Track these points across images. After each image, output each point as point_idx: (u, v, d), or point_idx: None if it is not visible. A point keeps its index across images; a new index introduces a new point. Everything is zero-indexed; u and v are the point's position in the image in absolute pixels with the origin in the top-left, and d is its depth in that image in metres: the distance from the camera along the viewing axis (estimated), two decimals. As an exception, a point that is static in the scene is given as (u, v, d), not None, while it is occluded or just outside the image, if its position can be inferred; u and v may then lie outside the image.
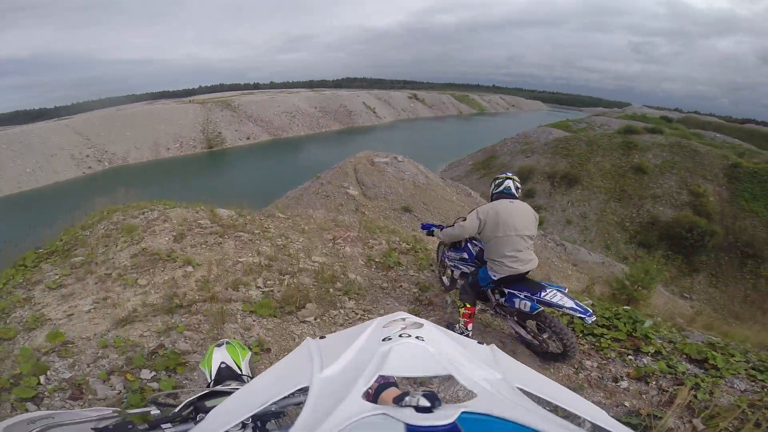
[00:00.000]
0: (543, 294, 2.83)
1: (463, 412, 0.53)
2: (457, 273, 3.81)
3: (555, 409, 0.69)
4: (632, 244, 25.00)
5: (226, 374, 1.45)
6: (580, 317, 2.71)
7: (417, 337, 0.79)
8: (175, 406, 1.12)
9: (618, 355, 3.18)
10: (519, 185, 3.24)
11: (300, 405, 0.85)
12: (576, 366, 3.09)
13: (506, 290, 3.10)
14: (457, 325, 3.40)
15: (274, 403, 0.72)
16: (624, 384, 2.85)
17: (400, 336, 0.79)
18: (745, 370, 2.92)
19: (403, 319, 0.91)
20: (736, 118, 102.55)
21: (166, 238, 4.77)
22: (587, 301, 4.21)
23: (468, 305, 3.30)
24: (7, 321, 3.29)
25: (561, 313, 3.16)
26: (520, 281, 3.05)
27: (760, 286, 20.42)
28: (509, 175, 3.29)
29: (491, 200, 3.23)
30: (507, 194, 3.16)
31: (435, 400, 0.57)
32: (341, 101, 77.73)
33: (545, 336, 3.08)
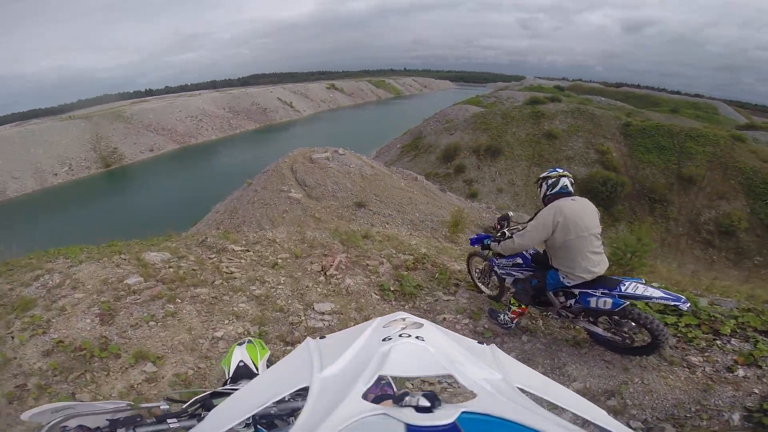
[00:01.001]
0: (623, 288, 2.61)
1: (463, 412, 0.53)
2: (509, 280, 3.47)
3: (555, 409, 0.68)
4: (558, 203, 27.27)
5: (243, 373, 1.45)
6: (674, 305, 2.54)
7: (417, 337, 0.78)
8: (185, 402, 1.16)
9: (708, 343, 2.95)
10: (572, 180, 2.92)
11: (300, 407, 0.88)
12: (686, 365, 2.80)
13: (577, 291, 2.84)
14: (502, 315, 3.35)
15: (275, 403, 0.73)
16: (740, 372, 2.67)
17: (400, 336, 0.79)
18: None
19: (403, 319, 0.90)
20: (611, 82, 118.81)
21: (88, 320, 3.27)
22: None
23: (523, 306, 3.17)
24: None
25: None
26: (592, 280, 2.79)
27: (671, 228, 23.66)
28: (561, 171, 2.92)
29: (544, 202, 2.93)
30: (565, 193, 2.84)
31: (435, 400, 0.57)
32: (252, 99, 73.16)
33: (625, 332, 2.82)
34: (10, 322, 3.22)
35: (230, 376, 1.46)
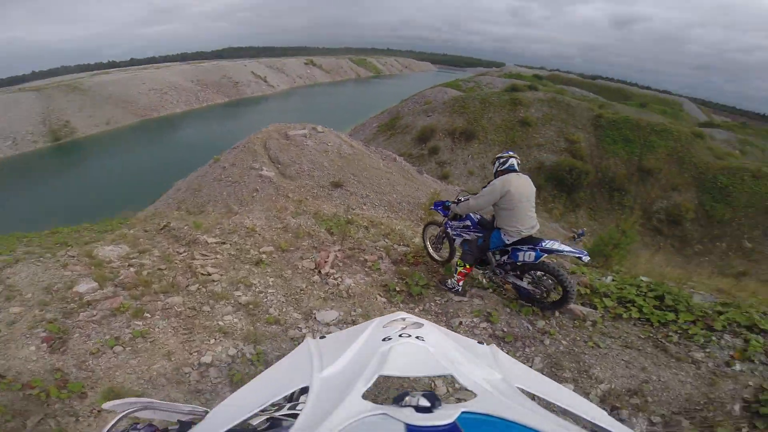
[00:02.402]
0: (543, 244, 3.28)
1: (463, 412, 0.52)
2: (458, 241, 4.04)
3: (555, 409, 0.65)
4: (526, 188, 28.03)
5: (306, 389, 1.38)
6: (577, 257, 3.15)
7: (417, 337, 0.77)
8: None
9: (705, 339, 3.20)
10: (519, 161, 3.65)
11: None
12: (691, 361, 3.01)
13: (510, 248, 3.46)
14: (449, 281, 3.87)
15: (273, 403, 0.71)
16: (737, 366, 2.89)
17: (400, 336, 0.78)
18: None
19: (403, 319, 0.91)
20: (587, 74, 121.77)
21: (32, 346, 2.68)
22: (609, 276, 4.30)
23: (468, 266, 3.74)
24: None
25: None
26: (522, 238, 3.43)
27: (627, 216, 24.84)
28: (511, 153, 3.66)
29: (496, 176, 3.59)
30: (512, 170, 3.53)
31: (435, 400, 0.57)
32: (224, 72, 69.70)
33: (545, 287, 3.43)
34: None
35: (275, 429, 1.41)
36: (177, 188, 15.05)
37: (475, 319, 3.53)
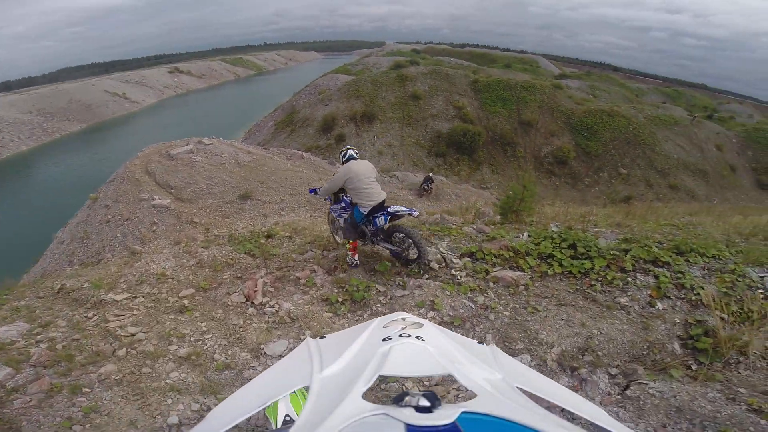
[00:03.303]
0: (390, 209, 4.03)
1: (463, 412, 0.53)
2: (341, 221, 4.53)
3: (555, 409, 0.70)
4: (431, 156, 29.82)
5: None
6: (409, 214, 4.02)
7: (417, 337, 0.77)
8: None
9: (623, 281, 3.38)
10: (357, 151, 4.46)
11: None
12: (622, 307, 3.15)
13: (371, 218, 4.10)
14: (347, 258, 4.42)
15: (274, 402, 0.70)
16: (659, 305, 3.08)
17: (401, 336, 0.78)
18: (683, 258, 3.50)
19: (404, 319, 0.90)
20: (456, 43, 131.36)
21: None
22: (526, 233, 4.52)
23: (351, 241, 4.32)
24: None
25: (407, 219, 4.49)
26: (380, 210, 4.07)
27: (522, 165, 28.07)
28: (349, 147, 4.48)
29: (342, 163, 4.31)
30: (352, 158, 4.32)
31: (435, 400, 0.57)
32: (69, 96, 58.83)
33: (405, 246, 4.15)
34: None
35: (276, 428, 1.42)
36: (60, 241, 12.60)
37: (421, 311, 3.52)
